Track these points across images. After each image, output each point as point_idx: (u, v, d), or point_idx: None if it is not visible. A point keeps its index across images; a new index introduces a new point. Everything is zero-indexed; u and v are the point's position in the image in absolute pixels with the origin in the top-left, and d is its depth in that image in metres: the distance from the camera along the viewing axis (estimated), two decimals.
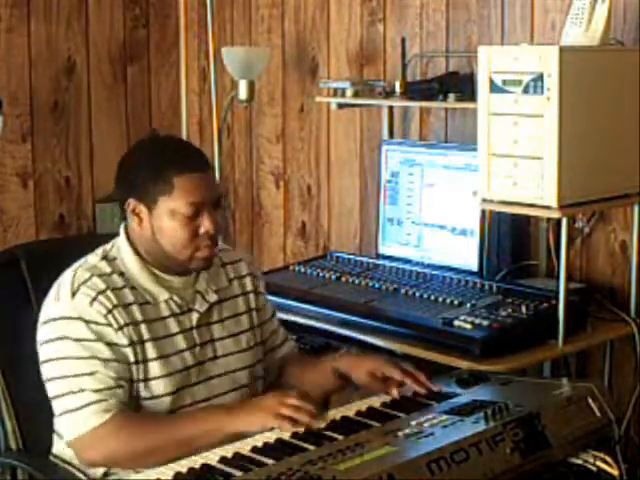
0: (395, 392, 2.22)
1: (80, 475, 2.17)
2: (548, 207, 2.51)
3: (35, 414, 2.30)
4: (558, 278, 2.62)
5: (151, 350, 2.15)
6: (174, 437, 2.08)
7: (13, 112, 3.84)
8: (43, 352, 2.16)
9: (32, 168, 3.97)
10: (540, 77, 2.46)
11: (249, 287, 2.39)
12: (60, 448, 2.22)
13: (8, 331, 2.34)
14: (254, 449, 1.95)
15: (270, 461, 1.87)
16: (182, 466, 1.90)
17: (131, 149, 2.30)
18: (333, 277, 3.10)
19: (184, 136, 4.14)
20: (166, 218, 2.16)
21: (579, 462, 2.04)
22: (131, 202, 2.19)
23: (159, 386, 2.16)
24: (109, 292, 2.14)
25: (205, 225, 2.16)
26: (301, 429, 2.02)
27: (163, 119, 4.29)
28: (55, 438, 2.25)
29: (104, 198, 4.03)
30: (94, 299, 2.12)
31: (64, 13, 3.99)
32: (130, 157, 2.27)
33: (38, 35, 3.93)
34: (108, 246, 2.25)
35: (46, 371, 2.15)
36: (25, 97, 3.92)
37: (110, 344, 2.11)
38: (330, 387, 2.32)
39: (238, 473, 1.84)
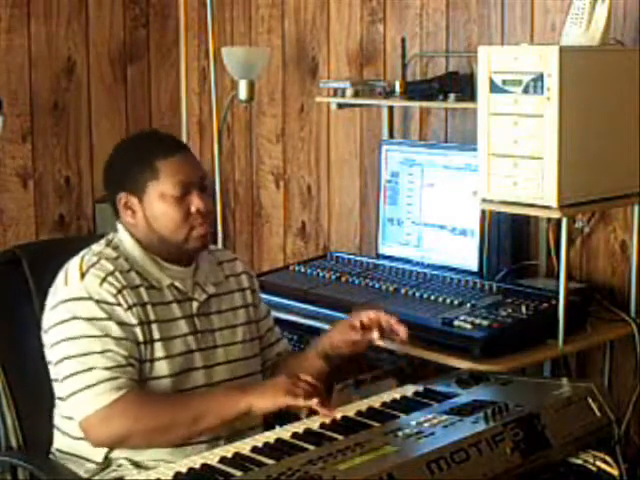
0: (375, 334, 2.28)
1: (80, 468, 2.18)
2: (548, 207, 2.51)
3: (36, 411, 2.31)
4: (558, 278, 2.62)
5: (156, 331, 2.20)
6: (187, 414, 2.12)
7: (13, 112, 3.84)
8: (53, 334, 2.18)
9: (32, 168, 3.97)
10: (540, 77, 2.46)
11: (245, 284, 2.44)
12: (62, 442, 2.24)
13: (9, 329, 2.35)
14: (254, 449, 1.95)
15: (270, 461, 1.87)
16: (182, 466, 1.90)
17: (111, 153, 2.36)
18: (333, 277, 3.10)
19: (184, 136, 4.15)
20: (157, 202, 2.23)
21: (579, 462, 2.04)
22: (122, 196, 2.26)
23: (162, 367, 2.19)
24: (117, 274, 2.19)
25: (195, 203, 2.23)
26: (312, 404, 2.06)
27: (163, 119, 4.29)
28: (55, 432, 2.27)
29: (104, 198, 4.02)
30: (104, 280, 2.17)
31: (64, 13, 3.99)
32: (113, 156, 2.35)
33: (38, 35, 3.93)
34: (110, 236, 2.31)
35: (56, 353, 2.17)
36: (25, 97, 3.92)
37: (121, 323, 2.15)
38: (320, 371, 2.34)
39: (238, 473, 1.84)
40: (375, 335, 2.28)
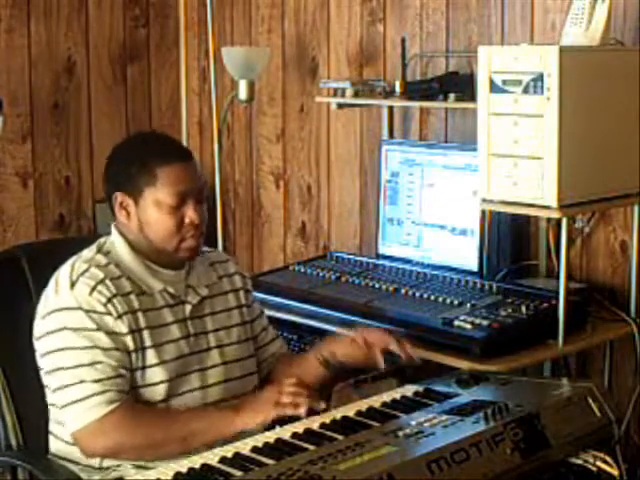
0: (380, 358, 2.27)
1: (78, 469, 2.18)
2: (548, 207, 2.51)
3: (35, 411, 2.31)
4: (558, 278, 2.62)
5: (147, 338, 2.19)
6: (179, 432, 2.12)
7: (13, 112, 3.84)
8: (42, 345, 2.18)
9: (32, 168, 3.97)
10: (540, 77, 2.46)
11: (238, 284, 2.43)
12: (57, 446, 2.24)
13: (9, 329, 2.34)
14: (254, 449, 1.95)
15: (270, 461, 1.87)
16: (182, 466, 1.90)
17: (114, 149, 2.34)
18: (333, 277, 3.10)
19: (184, 136, 4.15)
20: (152, 209, 2.21)
21: (579, 462, 2.04)
22: (118, 196, 2.25)
23: (155, 374, 2.18)
24: (107, 281, 2.17)
25: (189, 215, 2.21)
26: (303, 412, 2.06)
27: (163, 119, 4.29)
28: (51, 437, 2.27)
29: (104, 198, 4.02)
30: (93, 288, 2.16)
31: (64, 13, 3.99)
32: (114, 155, 2.32)
33: (38, 35, 3.93)
34: (102, 240, 2.30)
35: (46, 363, 2.17)
36: (25, 97, 3.92)
37: (110, 333, 2.14)
38: (320, 376, 2.34)
39: (238, 473, 1.84)
40: (382, 365, 2.28)
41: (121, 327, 2.15)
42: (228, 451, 1.95)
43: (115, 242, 2.27)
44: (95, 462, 2.17)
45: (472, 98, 2.92)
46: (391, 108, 3.43)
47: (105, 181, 2.31)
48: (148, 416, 2.15)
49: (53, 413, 2.23)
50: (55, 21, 3.97)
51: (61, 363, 2.13)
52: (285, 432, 2.03)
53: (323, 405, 2.10)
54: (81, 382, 2.10)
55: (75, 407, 2.11)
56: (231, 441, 2.04)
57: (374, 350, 2.30)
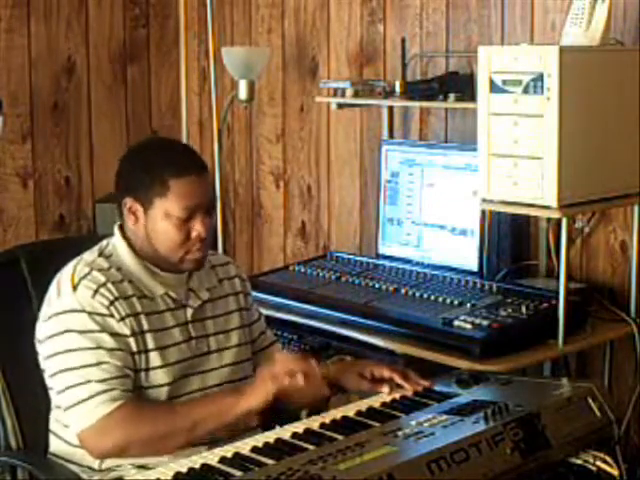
0: (386, 389, 2.25)
1: (79, 470, 2.18)
2: (548, 207, 2.51)
3: (35, 412, 2.31)
4: (558, 278, 2.62)
5: (150, 341, 2.19)
6: (185, 421, 2.13)
7: (13, 112, 3.85)
8: (47, 347, 2.18)
9: (32, 168, 3.97)
10: (540, 77, 2.46)
11: (238, 288, 2.43)
12: (58, 447, 2.24)
13: (9, 329, 2.34)
14: (254, 449, 1.95)
15: (270, 461, 1.87)
16: (182, 466, 1.90)
17: (130, 150, 2.35)
18: (333, 277, 3.10)
19: (184, 136, 4.15)
20: (160, 219, 2.20)
21: (579, 462, 2.04)
22: (128, 201, 2.23)
23: (158, 376, 2.19)
24: (109, 285, 2.17)
25: (197, 229, 2.21)
26: (299, 381, 2.09)
27: (163, 119, 4.29)
28: (51, 437, 2.27)
29: (104, 198, 4.03)
30: (96, 291, 2.16)
31: (64, 13, 3.99)
32: (129, 158, 2.31)
33: (38, 35, 3.93)
34: (104, 243, 2.29)
35: (51, 366, 2.17)
36: (25, 97, 3.93)
37: (114, 334, 2.14)
38: (320, 394, 2.33)
39: (238, 473, 1.84)
40: (385, 390, 2.26)
41: (124, 329, 2.15)
42: (228, 451, 1.94)
43: (117, 245, 2.26)
44: (95, 463, 2.17)
45: (472, 98, 2.93)
46: (391, 108, 3.43)
47: (116, 183, 2.30)
48: (153, 410, 2.16)
49: (57, 415, 2.23)
50: (55, 21, 3.97)
51: (67, 364, 2.13)
52: (285, 432, 2.03)
53: (328, 391, 2.14)
54: (87, 382, 2.11)
55: (81, 407, 2.11)
56: (232, 438, 2.05)
57: (380, 384, 2.30)
